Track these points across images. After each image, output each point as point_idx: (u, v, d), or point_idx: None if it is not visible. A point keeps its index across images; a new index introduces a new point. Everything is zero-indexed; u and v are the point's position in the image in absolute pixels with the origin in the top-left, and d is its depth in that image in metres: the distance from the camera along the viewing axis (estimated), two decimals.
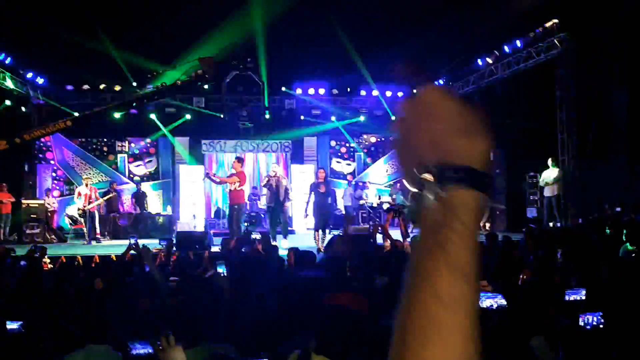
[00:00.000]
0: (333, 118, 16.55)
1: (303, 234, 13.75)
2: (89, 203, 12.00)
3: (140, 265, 5.45)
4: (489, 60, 13.27)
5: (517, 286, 4.03)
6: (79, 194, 12.19)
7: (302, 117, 16.30)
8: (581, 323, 2.70)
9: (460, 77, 14.83)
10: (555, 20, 11.22)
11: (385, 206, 16.04)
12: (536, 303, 2.94)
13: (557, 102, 11.73)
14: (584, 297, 3.02)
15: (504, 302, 2.71)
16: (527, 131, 12.43)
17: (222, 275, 5.03)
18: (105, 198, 12.95)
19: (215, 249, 9.11)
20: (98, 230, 12.29)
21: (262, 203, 13.94)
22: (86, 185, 12.35)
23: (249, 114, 5.65)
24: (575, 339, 2.66)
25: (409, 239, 6.95)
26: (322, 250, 8.64)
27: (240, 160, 10.39)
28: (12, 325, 3.58)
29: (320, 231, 10.21)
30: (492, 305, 2.70)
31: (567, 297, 3.03)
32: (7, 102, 13.43)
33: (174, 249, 8.18)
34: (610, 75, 11.08)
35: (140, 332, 3.62)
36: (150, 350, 2.07)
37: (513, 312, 2.73)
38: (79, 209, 12.20)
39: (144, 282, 4.50)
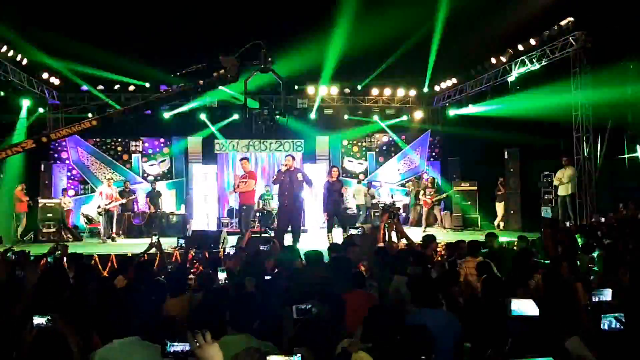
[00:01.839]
0: (345, 116, 16.54)
1: (315, 233, 13.77)
2: (110, 202, 12.24)
3: (162, 262, 5.51)
4: (503, 59, 13.20)
5: (537, 288, 4.02)
6: (101, 193, 12.47)
7: (312, 117, 16.32)
8: (604, 326, 2.69)
9: (475, 75, 14.76)
10: (571, 19, 11.13)
11: (399, 204, 16.06)
12: (566, 304, 2.93)
13: (572, 100, 11.65)
14: (610, 299, 3.01)
15: (534, 307, 2.72)
16: (541, 130, 12.36)
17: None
18: (127, 199, 13.21)
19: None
20: (114, 230, 12.48)
21: (276, 202, 13.92)
22: (109, 185, 12.58)
23: (269, 112, 5.66)
24: (599, 342, 2.65)
25: (403, 240, 6.88)
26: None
27: (248, 160, 10.35)
28: (38, 320, 3.62)
29: (333, 231, 10.14)
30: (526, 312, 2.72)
31: (593, 299, 3.02)
32: (24, 102, 13.57)
33: (197, 248, 8.23)
34: (625, 73, 10.98)
35: (166, 330, 3.67)
36: (187, 348, 2.10)
37: (544, 315, 2.73)
38: (99, 207, 12.39)
39: (166, 280, 4.53)
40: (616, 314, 2.70)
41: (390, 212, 8.11)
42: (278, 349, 2.81)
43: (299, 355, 2.03)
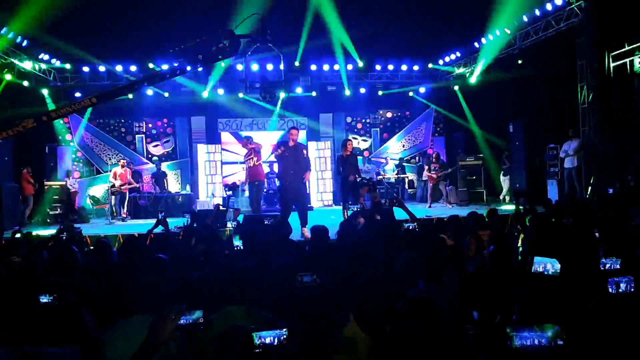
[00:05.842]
0: (348, 93, 16.39)
1: (321, 210, 13.80)
2: (124, 184, 12.41)
3: (166, 241, 5.52)
4: (507, 31, 12.98)
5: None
6: (115, 175, 12.60)
7: (314, 94, 16.16)
8: (611, 289, 2.66)
9: (478, 48, 14.56)
10: None
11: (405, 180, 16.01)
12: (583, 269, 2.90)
13: (578, 71, 11.49)
14: (618, 266, 2.99)
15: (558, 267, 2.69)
16: (547, 102, 12.22)
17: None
18: (137, 184, 13.39)
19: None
20: (125, 210, 12.69)
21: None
22: (122, 166, 12.69)
23: (270, 88, 5.57)
24: (608, 304, 2.61)
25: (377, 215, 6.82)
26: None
27: (248, 139, 9.94)
28: (44, 299, 3.64)
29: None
30: (547, 270, 2.69)
31: (602, 267, 2.99)
32: (25, 84, 13.53)
33: (195, 225, 8.22)
34: (632, 43, 10.79)
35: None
36: (191, 320, 2.11)
37: (567, 277, 2.71)
38: (113, 186, 12.51)
39: (171, 257, 4.53)
40: (623, 277, 2.67)
41: (369, 185, 8.08)
42: (278, 319, 2.79)
43: (284, 329, 1.99)
